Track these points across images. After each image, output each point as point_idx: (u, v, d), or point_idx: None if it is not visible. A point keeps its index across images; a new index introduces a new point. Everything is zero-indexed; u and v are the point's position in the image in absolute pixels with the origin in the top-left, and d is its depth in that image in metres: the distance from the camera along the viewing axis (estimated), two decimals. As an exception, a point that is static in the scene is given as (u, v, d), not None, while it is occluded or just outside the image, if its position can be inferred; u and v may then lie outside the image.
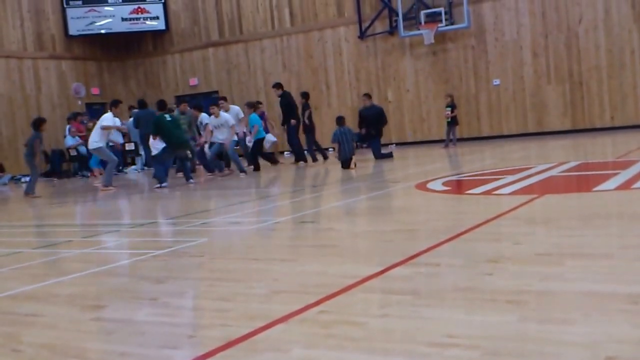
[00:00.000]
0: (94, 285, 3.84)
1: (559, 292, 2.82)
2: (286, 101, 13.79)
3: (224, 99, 13.85)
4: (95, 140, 11.47)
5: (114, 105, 12.10)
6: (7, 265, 4.62)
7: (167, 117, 11.21)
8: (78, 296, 3.54)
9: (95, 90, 21.27)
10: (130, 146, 17.66)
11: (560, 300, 2.70)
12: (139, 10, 21.25)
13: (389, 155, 13.47)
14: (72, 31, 20.59)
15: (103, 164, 14.16)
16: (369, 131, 13.70)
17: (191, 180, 11.25)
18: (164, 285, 3.63)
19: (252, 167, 13.20)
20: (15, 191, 14.56)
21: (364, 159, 13.38)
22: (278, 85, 14.10)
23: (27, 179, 12.45)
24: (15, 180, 17.55)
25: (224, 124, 12.33)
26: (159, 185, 10.77)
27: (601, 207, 5.16)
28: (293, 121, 13.57)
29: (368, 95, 14.47)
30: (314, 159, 13.85)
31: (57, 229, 7.03)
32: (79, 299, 3.46)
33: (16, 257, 5.02)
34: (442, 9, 17.50)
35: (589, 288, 2.83)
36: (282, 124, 13.99)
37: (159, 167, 11.14)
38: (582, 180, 7.30)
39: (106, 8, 20.91)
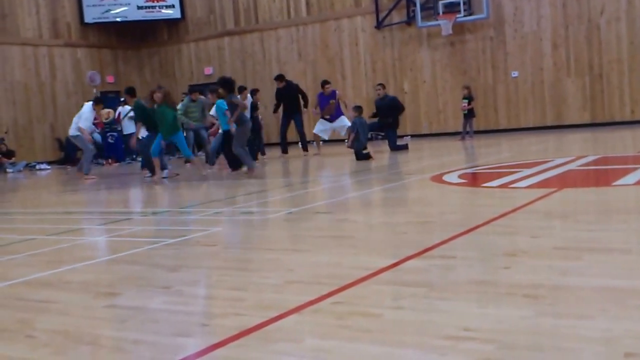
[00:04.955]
0: (107, 272, 3.84)
1: (577, 286, 2.77)
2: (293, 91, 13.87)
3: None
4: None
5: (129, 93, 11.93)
6: (22, 251, 4.65)
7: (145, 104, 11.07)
8: (91, 283, 3.54)
9: (110, 79, 21.36)
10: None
11: (578, 295, 2.65)
12: (155, -2, 21.28)
13: (405, 147, 13.41)
14: (88, 19, 20.65)
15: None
16: (385, 120, 13.61)
17: (148, 175, 10.81)
18: (177, 274, 3.62)
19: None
20: (31, 178, 14.68)
21: (379, 150, 13.33)
22: (281, 78, 14.09)
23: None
24: (30, 167, 17.68)
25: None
26: (149, 175, 10.63)
27: (620, 202, 5.08)
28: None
29: (382, 85, 14.36)
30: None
31: (71, 217, 7.06)
32: (92, 286, 3.46)
33: (30, 243, 5.04)
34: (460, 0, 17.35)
35: (608, 283, 2.78)
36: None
37: (148, 156, 10.79)
38: (601, 175, 7.21)
39: (122, -4, 20.96)
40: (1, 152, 17.37)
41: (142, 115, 10.91)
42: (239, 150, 9.58)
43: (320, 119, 13.93)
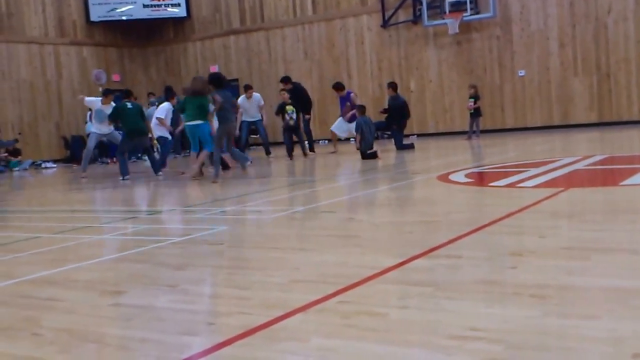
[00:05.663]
0: (112, 271, 3.84)
1: (584, 287, 2.76)
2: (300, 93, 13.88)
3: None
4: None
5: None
6: (27, 249, 4.65)
7: (129, 104, 11.10)
8: (97, 282, 3.54)
9: (116, 77, 21.38)
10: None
11: (585, 295, 2.64)
12: (161, -3, 21.30)
13: (411, 146, 13.38)
14: (94, 17, 20.69)
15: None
16: (392, 121, 13.60)
17: (160, 174, 10.92)
18: (183, 272, 3.62)
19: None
20: (36, 176, 14.72)
21: (385, 149, 13.31)
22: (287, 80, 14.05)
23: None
24: (36, 165, 17.72)
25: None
26: (122, 177, 10.70)
27: (628, 202, 5.06)
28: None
29: (392, 84, 14.31)
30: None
31: (76, 215, 7.07)
32: (98, 285, 3.47)
33: (36, 241, 5.05)
34: (467, -2, 17.30)
35: (615, 283, 2.77)
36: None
37: (121, 158, 11.02)
38: (608, 174, 7.18)
39: (128, -6, 20.99)
40: (8, 150, 17.44)
41: (118, 116, 11.09)
42: (215, 152, 9.17)
43: (340, 118, 14.00)
